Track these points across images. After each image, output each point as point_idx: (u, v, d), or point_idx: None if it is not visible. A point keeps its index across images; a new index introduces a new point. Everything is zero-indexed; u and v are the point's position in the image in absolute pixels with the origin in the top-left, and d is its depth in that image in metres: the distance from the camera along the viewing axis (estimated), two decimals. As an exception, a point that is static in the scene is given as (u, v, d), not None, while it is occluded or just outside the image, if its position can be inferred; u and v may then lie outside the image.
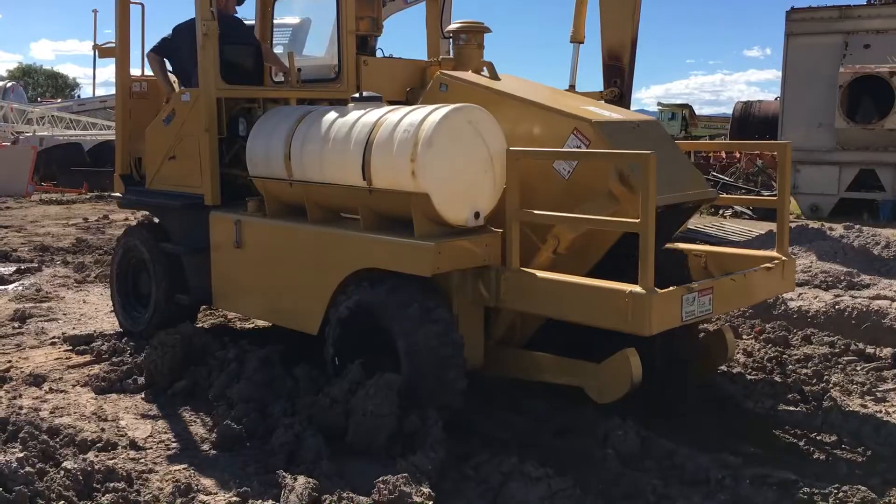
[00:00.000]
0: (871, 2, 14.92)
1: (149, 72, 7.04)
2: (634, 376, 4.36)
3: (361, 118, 5.04)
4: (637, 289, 4.17)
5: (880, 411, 5.29)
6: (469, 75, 5.81)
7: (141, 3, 6.98)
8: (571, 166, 4.96)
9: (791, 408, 5.30)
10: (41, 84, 64.19)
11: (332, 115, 5.28)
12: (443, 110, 4.69)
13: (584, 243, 4.80)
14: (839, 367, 6.07)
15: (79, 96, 52.67)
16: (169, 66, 6.74)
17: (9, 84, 33.24)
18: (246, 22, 7.24)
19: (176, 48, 6.59)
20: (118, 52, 6.98)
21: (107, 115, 26.31)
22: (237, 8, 6.94)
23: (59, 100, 41.28)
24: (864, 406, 5.38)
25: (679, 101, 47.28)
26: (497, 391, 5.35)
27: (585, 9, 11.74)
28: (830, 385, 5.67)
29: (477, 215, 4.81)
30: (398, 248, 4.78)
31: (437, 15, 13.35)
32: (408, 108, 4.94)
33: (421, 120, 4.67)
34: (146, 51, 6.79)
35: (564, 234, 4.74)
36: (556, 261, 4.80)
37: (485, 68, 5.94)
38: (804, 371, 5.93)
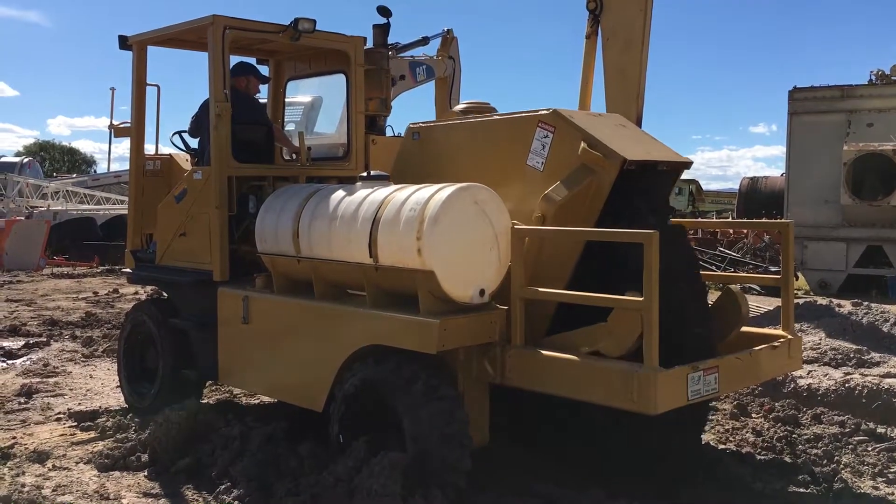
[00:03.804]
0: (872, 81, 15.12)
1: (163, 150, 7.17)
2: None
3: (369, 196, 5.12)
4: (642, 367, 4.16)
5: (892, 493, 5.20)
6: (434, 121, 6.24)
7: (157, 85, 7.15)
8: (544, 157, 5.11)
9: (801, 489, 5.21)
10: (57, 159, 65.23)
11: (340, 193, 5.38)
12: (449, 189, 4.77)
13: (572, 209, 4.84)
14: (850, 447, 5.97)
15: (94, 171, 53.48)
16: (193, 144, 6.83)
17: (25, 160, 33.83)
18: (260, 100, 7.41)
19: (197, 125, 6.70)
20: (133, 131, 7.14)
21: (121, 190, 26.66)
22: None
23: (75, 175, 41.95)
24: (876, 488, 5.28)
25: (686, 177, 47.62)
26: (503, 471, 5.29)
27: (591, 86, 11.98)
28: (841, 466, 5.58)
29: (482, 292, 4.84)
30: (404, 325, 4.80)
31: (446, 94, 13.65)
32: (414, 187, 5.02)
33: (427, 198, 4.75)
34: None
35: (547, 208, 4.82)
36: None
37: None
38: (814, 451, 5.84)
